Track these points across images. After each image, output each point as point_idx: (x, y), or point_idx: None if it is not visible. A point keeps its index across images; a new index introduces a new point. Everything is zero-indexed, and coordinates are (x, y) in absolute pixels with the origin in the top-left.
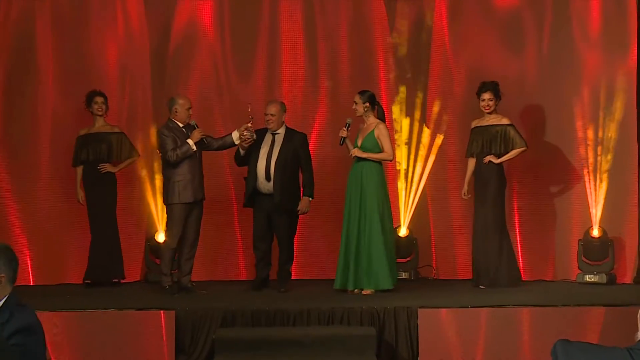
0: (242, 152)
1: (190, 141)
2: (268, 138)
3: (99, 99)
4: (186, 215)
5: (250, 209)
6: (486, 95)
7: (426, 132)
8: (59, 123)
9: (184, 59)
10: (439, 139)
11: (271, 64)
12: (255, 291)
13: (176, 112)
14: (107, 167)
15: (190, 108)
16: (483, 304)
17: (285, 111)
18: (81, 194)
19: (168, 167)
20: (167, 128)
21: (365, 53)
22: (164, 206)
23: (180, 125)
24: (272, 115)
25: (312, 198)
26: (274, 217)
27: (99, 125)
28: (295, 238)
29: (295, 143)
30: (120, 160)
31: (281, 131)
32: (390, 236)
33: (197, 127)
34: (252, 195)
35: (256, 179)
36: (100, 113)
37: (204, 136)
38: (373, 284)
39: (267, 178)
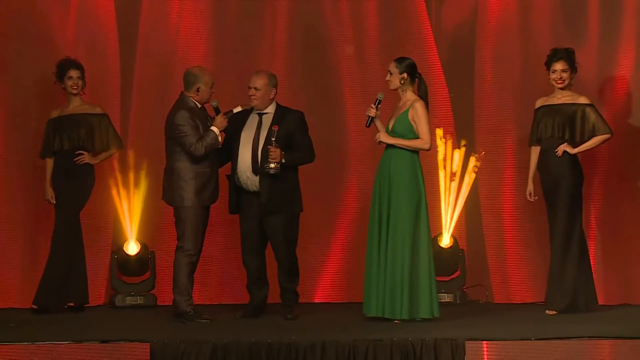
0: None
1: (215, 129)
2: (253, 119)
3: (74, 73)
4: (203, 221)
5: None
6: (559, 66)
7: (475, 113)
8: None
9: (162, 23)
10: (491, 122)
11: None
12: (252, 319)
13: (198, 91)
14: (86, 158)
15: (213, 85)
16: (550, 336)
17: (275, 86)
18: (51, 192)
19: (181, 160)
20: (188, 111)
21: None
22: (134, 209)
23: (199, 106)
24: (256, 89)
25: (284, 161)
26: (265, 219)
27: (75, 106)
28: (307, 250)
29: (289, 124)
30: (103, 150)
31: (270, 110)
32: (426, 248)
33: (220, 110)
34: (238, 197)
35: (240, 172)
36: (75, 91)
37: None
38: (400, 311)
39: (255, 170)
